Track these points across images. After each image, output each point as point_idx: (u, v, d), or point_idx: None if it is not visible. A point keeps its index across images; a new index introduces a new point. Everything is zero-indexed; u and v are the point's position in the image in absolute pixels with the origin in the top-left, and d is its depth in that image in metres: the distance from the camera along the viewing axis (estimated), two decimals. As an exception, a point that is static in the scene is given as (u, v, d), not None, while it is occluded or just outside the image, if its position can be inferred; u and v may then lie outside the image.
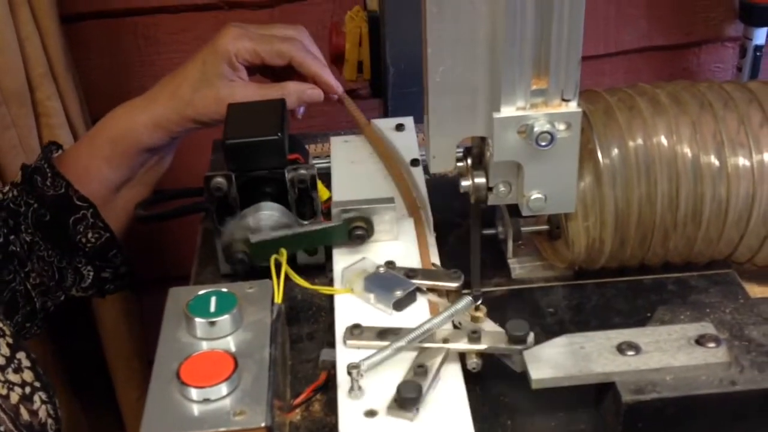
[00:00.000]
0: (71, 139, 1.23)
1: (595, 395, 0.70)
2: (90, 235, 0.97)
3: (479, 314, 0.75)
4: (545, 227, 0.87)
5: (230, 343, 0.69)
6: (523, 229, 0.87)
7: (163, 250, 1.54)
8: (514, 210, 0.82)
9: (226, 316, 0.70)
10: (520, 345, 0.70)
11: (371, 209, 0.85)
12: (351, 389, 0.68)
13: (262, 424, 0.62)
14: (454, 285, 0.79)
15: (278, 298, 0.73)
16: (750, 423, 0.68)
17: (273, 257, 0.78)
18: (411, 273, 0.80)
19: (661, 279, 0.84)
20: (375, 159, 1.02)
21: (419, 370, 0.69)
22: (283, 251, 0.79)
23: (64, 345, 1.32)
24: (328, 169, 1.04)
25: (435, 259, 0.85)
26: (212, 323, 0.69)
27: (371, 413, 0.67)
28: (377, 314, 0.77)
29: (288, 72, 1.00)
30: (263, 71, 1.02)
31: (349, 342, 0.74)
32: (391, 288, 0.78)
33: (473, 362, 0.71)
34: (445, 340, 0.71)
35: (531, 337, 0.70)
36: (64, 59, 1.22)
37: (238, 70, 0.96)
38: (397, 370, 0.70)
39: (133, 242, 1.45)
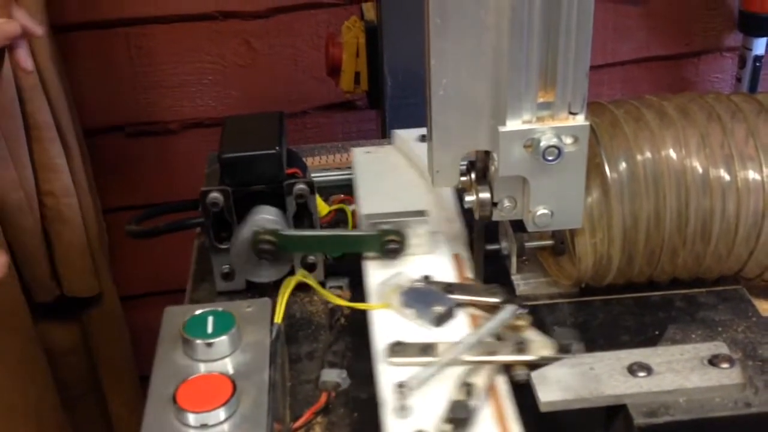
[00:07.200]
0: (62, 152, 1.21)
1: (605, 417, 0.68)
2: None
3: (523, 323, 0.73)
4: (549, 242, 0.85)
5: (228, 365, 0.67)
6: (527, 244, 0.85)
7: (152, 264, 1.52)
8: (517, 224, 0.81)
9: (224, 337, 0.68)
10: (570, 354, 0.68)
11: (405, 222, 0.83)
12: (398, 408, 0.65)
13: (262, 451, 0.60)
14: (494, 300, 0.76)
15: (279, 318, 0.71)
16: (766, 446, 0.66)
17: (297, 278, 0.77)
18: (449, 288, 0.78)
19: (669, 295, 0.82)
20: (400, 170, 0.99)
21: (468, 387, 0.66)
22: (308, 274, 0.79)
23: (56, 362, 1.30)
24: (329, 182, 1.02)
25: (470, 273, 0.83)
26: (210, 344, 0.67)
27: (420, 433, 0.64)
28: (416, 330, 0.74)
29: None
30: None
31: (391, 359, 0.71)
32: (431, 303, 0.75)
33: (520, 374, 0.69)
34: (492, 353, 0.69)
35: (580, 345, 0.68)
36: (55, 70, 1.20)
37: None
38: (442, 386, 0.67)
39: (121, 255, 1.44)
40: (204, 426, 0.61)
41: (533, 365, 0.69)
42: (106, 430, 1.44)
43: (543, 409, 0.66)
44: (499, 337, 0.72)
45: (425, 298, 0.76)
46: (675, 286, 0.83)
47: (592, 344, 0.78)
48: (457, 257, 0.84)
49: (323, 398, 0.73)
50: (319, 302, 0.85)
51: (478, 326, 0.72)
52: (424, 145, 1.00)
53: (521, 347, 0.69)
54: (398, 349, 0.71)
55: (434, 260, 0.83)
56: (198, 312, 0.70)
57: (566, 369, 0.68)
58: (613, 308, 0.82)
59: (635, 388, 0.65)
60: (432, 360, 0.68)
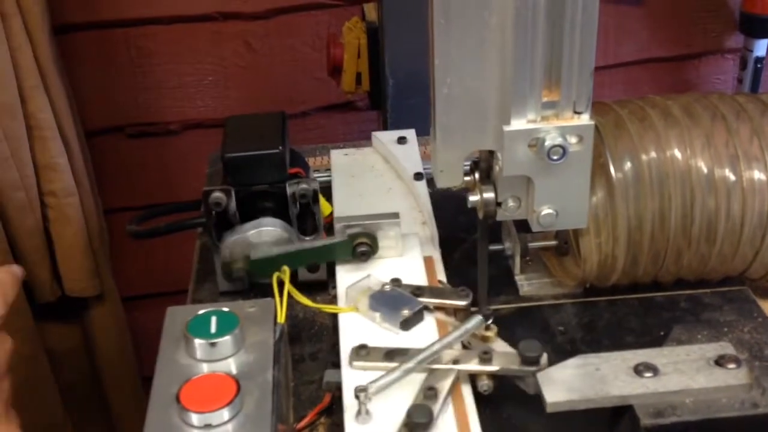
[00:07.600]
0: (63, 152, 1.21)
1: (610, 418, 0.68)
2: None
3: (490, 333, 0.73)
4: (553, 242, 0.85)
5: (231, 365, 0.66)
6: (530, 244, 0.85)
7: (153, 264, 1.51)
8: (521, 224, 0.80)
9: (227, 337, 0.67)
10: (533, 366, 0.67)
11: (376, 225, 0.83)
12: (358, 413, 0.65)
13: (266, 451, 0.59)
14: (462, 303, 0.76)
15: (281, 318, 0.71)
16: (772, 446, 0.66)
17: (276, 275, 0.75)
18: (418, 291, 0.77)
19: (673, 296, 0.82)
20: (376, 173, 0.99)
21: (429, 392, 0.66)
22: (286, 269, 0.76)
23: (58, 363, 1.30)
24: (329, 182, 1.01)
25: (441, 276, 0.82)
26: (213, 344, 0.67)
27: (380, 438, 0.64)
28: (384, 334, 0.74)
29: None
30: None
31: (355, 363, 0.71)
32: (398, 307, 0.75)
33: (484, 384, 0.69)
34: (456, 361, 0.69)
35: (544, 358, 0.68)
36: (56, 70, 1.20)
37: None
38: (405, 392, 0.67)
39: (122, 255, 1.44)
40: (208, 426, 0.61)
41: (497, 376, 0.69)
42: (108, 430, 1.43)
43: (549, 409, 0.65)
44: (465, 346, 0.72)
45: (393, 301, 0.76)
46: (680, 287, 0.83)
47: (597, 345, 0.78)
48: (428, 260, 0.83)
49: (327, 398, 0.73)
50: (322, 303, 0.85)
51: (445, 332, 0.71)
52: (403, 148, 1.02)
53: (485, 357, 0.69)
54: (363, 353, 0.71)
55: (405, 263, 0.83)
56: (201, 312, 0.70)
57: (572, 369, 0.67)
58: (618, 309, 0.82)
59: (641, 389, 0.65)
60: (395, 365, 0.68)
